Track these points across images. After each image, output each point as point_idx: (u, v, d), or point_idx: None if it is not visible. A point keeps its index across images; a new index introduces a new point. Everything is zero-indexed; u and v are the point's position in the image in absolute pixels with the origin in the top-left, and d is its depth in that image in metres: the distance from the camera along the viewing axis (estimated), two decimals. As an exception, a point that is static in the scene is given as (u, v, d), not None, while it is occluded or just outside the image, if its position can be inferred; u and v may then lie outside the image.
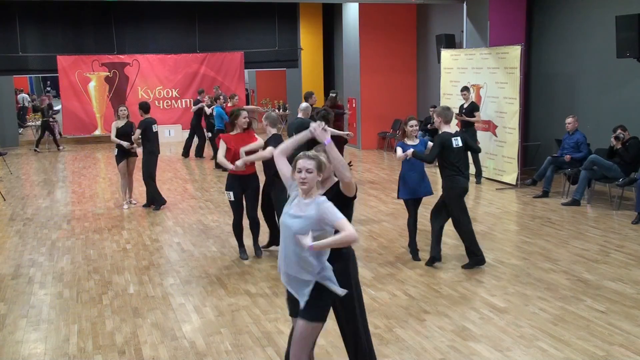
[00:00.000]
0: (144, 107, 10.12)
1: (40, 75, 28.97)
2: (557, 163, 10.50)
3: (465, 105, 11.81)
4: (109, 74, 19.69)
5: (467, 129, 11.53)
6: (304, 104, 10.34)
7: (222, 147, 7.22)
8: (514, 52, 11.34)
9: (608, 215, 9.28)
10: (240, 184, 7.30)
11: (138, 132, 9.93)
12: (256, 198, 7.50)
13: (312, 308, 3.76)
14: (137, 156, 10.23)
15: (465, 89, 11.87)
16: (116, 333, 5.51)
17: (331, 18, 21.43)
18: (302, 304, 3.77)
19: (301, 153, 3.86)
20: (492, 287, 6.39)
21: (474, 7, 13.11)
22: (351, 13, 17.02)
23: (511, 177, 11.61)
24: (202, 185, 12.49)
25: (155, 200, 10.36)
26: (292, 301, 3.91)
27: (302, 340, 3.81)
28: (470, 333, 5.33)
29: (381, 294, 6.29)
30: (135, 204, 10.58)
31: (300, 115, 10.13)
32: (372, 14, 16.36)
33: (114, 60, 19.69)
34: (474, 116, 11.68)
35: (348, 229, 3.62)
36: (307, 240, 3.59)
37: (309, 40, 21.34)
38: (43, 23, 19.04)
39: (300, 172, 3.77)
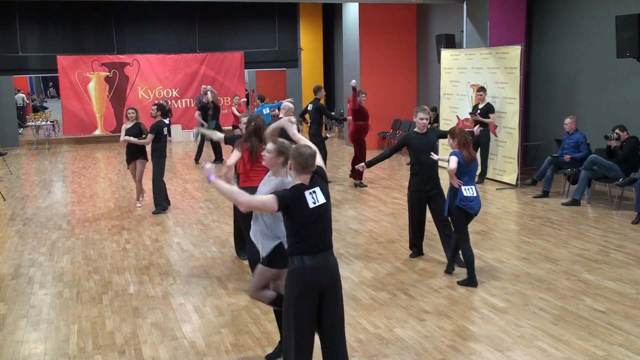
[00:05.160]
0: (163, 109, 10.28)
1: (40, 75, 29.00)
2: (557, 163, 10.50)
3: (480, 106, 11.69)
4: (109, 74, 19.71)
5: (481, 130, 11.49)
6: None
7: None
8: (514, 52, 11.34)
9: (608, 215, 9.28)
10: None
11: (150, 137, 9.79)
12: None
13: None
14: (146, 159, 10.11)
15: (481, 89, 11.73)
16: (116, 333, 5.51)
17: (331, 18, 21.44)
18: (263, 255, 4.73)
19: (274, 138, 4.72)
20: (492, 287, 6.38)
21: (474, 7, 13.11)
22: (351, 13, 17.01)
23: (511, 177, 11.61)
24: (202, 185, 12.49)
25: (157, 204, 10.17)
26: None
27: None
28: (470, 333, 5.33)
29: (381, 294, 6.29)
30: (139, 206, 10.46)
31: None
32: (372, 14, 16.35)
33: (114, 60, 19.71)
34: (489, 117, 11.59)
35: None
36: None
37: (309, 40, 21.35)
38: (43, 23, 19.06)
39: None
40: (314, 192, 4.00)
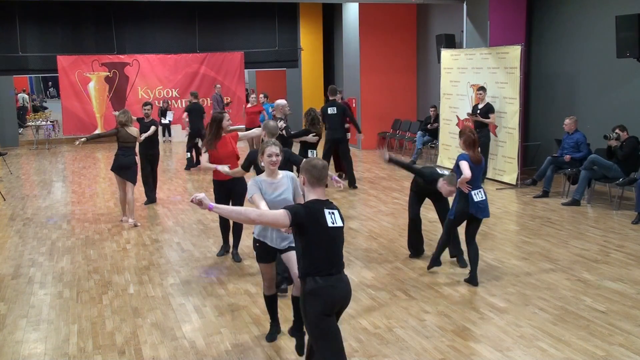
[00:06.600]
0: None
1: (40, 75, 28.99)
2: (557, 163, 10.50)
3: (480, 106, 11.66)
4: (109, 74, 19.70)
5: (481, 130, 11.44)
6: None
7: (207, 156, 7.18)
8: (514, 52, 11.34)
9: (608, 215, 9.28)
10: (225, 190, 7.29)
11: (143, 136, 9.93)
12: (241, 202, 7.29)
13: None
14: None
15: (481, 89, 11.70)
16: (116, 333, 5.51)
17: (331, 18, 21.45)
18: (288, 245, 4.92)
19: (268, 140, 5.02)
20: (492, 287, 6.39)
21: (474, 7, 13.11)
22: (351, 13, 17.02)
23: (511, 177, 11.61)
24: (202, 185, 12.49)
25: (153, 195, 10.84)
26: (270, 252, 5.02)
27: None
28: (470, 333, 5.33)
29: (381, 294, 6.29)
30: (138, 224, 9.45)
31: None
32: (372, 14, 16.36)
33: (114, 60, 19.70)
34: (489, 117, 11.57)
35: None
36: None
37: (309, 40, 21.35)
38: (43, 23, 19.06)
39: (270, 156, 4.88)
40: (334, 213, 3.88)
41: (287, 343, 5.17)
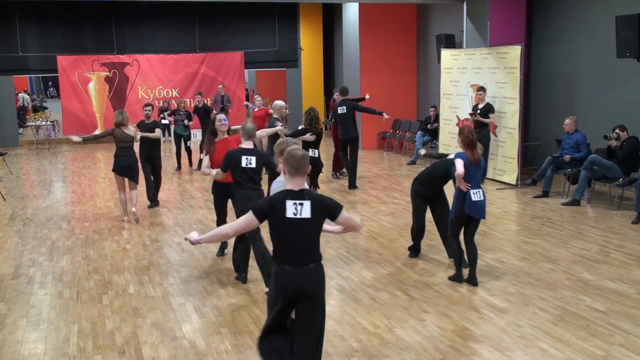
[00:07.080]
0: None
1: (40, 75, 28.99)
2: (557, 163, 10.50)
3: (480, 106, 11.63)
4: (109, 74, 19.70)
5: (481, 130, 11.41)
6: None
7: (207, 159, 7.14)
8: (514, 52, 11.34)
9: (608, 215, 9.28)
10: (222, 193, 7.17)
11: (139, 135, 9.88)
12: (243, 207, 6.93)
13: None
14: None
15: (481, 89, 11.67)
16: (116, 333, 5.51)
17: (331, 18, 21.45)
18: None
19: (289, 141, 4.98)
20: (492, 287, 6.39)
21: (474, 7, 13.11)
22: (351, 13, 17.02)
23: (511, 177, 11.61)
24: (202, 185, 12.49)
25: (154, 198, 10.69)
26: None
27: None
28: (470, 333, 5.33)
29: (381, 294, 6.29)
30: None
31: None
32: (372, 14, 16.36)
33: (114, 60, 19.70)
34: (489, 117, 11.55)
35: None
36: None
37: (309, 40, 21.35)
38: (43, 23, 19.05)
39: None
40: (301, 204, 3.82)
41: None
